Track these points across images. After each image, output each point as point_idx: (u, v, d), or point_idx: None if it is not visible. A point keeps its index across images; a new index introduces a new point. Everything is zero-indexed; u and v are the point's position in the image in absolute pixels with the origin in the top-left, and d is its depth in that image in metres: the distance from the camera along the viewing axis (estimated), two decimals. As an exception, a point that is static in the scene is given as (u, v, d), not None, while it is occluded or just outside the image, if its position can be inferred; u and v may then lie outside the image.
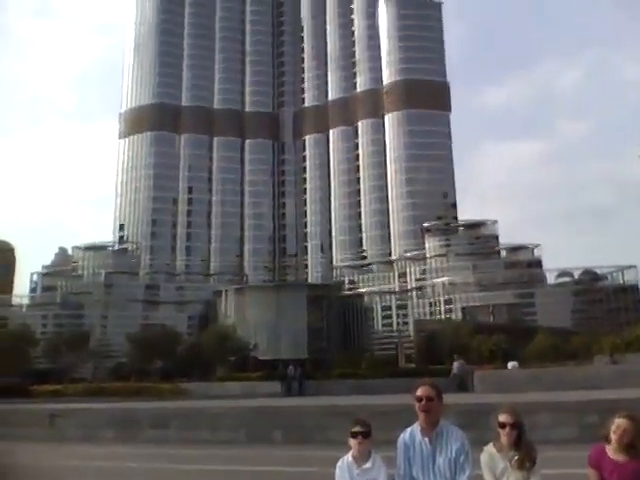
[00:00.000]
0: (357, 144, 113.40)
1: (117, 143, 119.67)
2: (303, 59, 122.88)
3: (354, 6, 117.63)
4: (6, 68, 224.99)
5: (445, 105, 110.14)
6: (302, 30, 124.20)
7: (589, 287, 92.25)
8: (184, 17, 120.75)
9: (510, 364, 28.04)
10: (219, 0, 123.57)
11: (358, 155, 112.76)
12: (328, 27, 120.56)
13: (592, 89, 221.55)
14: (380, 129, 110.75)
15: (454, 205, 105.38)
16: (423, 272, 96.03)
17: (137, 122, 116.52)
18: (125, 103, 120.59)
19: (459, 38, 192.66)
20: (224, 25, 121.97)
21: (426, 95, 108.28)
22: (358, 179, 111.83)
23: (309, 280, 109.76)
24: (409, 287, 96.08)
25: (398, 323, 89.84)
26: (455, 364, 25.59)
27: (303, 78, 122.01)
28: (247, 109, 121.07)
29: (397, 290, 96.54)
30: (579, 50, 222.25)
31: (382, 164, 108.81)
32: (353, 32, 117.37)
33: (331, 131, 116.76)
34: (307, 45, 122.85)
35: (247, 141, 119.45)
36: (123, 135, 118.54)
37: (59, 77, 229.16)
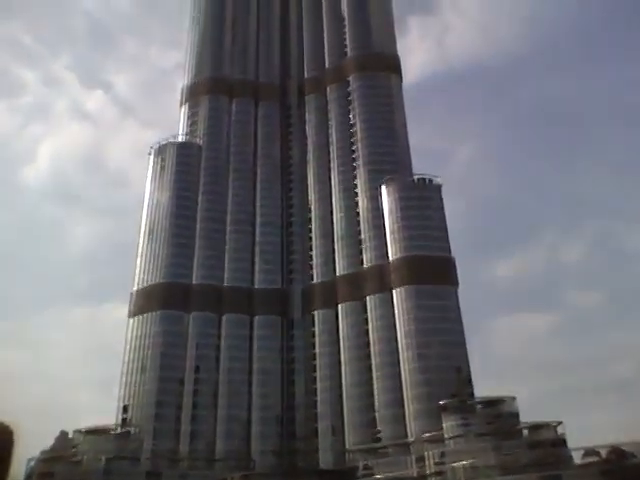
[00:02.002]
0: (366, 319, 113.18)
1: (126, 322, 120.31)
2: (311, 238, 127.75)
3: (358, 190, 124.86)
4: (21, 251, 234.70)
5: (451, 279, 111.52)
6: (310, 211, 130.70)
7: (618, 466, 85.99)
8: (197, 202, 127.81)
9: None
10: (231, 186, 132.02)
11: (367, 330, 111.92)
12: (334, 208, 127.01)
13: (598, 259, 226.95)
14: (389, 304, 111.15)
15: (469, 380, 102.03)
16: (442, 455, 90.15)
17: (147, 301, 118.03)
18: (137, 283, 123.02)
19: (462, 214, 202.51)
20: (235, 209, 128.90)
21: (432, 270, 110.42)
22: (368, 354, 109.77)
23: (320, 465, 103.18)
24: (428, 472, 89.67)
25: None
26: None
27: (311, 255, 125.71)
28: (256, 286, 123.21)
29: (415, 476, 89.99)
30: (582, 221, 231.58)
31: (392, 339, 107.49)
32: (358, 213, 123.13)
33: (340, 306, 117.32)
34: (314, 224, 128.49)
35: (256, 317, 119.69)
36: (132, 314, 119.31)
37: (72, 257, 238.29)
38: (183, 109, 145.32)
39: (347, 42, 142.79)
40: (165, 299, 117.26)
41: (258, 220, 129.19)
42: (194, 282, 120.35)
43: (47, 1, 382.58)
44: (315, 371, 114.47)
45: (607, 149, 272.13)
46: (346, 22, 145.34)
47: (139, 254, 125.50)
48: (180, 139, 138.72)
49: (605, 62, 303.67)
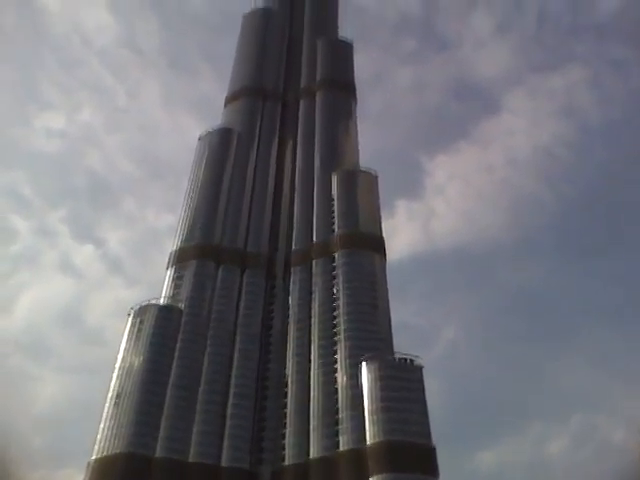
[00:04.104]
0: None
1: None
2: (285, 414, 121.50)
3: (338, 366, 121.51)
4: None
5: (432, 469, 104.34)
6: (286, 385, 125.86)
7: None
8: (170, 368, 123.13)
9: None
10: (208, 353, 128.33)
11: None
12: (312, 384, 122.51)
13: (583, 452, 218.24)
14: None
15: None
16: None
17: (103, 474, 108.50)
18: (96, 450, 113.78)
19: (443, 397, 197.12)
20: (209, 378, 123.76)
21: (411, 458, 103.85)
22: None
23: None
24: None
25: None
26: None
27: (284, 434, 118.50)
28: (223, 464, 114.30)
29: None
30: (567, 413, 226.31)
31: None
32: (336, 390, 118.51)
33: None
34: (290, 400, 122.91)
35: None
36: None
37: (35, 415, 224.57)
38: (169, 272, 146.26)
39: (335, 220, 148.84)
40: (123, 473, 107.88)
41: (231, 391, 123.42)
42: (157, 455, 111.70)
43: (52, 158, 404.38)
44: None
45: (587, 340, 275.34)
46: (335, 202, 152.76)
47: (103, 418, 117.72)
48: (162, 302, 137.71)
49: (586, 255, 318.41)
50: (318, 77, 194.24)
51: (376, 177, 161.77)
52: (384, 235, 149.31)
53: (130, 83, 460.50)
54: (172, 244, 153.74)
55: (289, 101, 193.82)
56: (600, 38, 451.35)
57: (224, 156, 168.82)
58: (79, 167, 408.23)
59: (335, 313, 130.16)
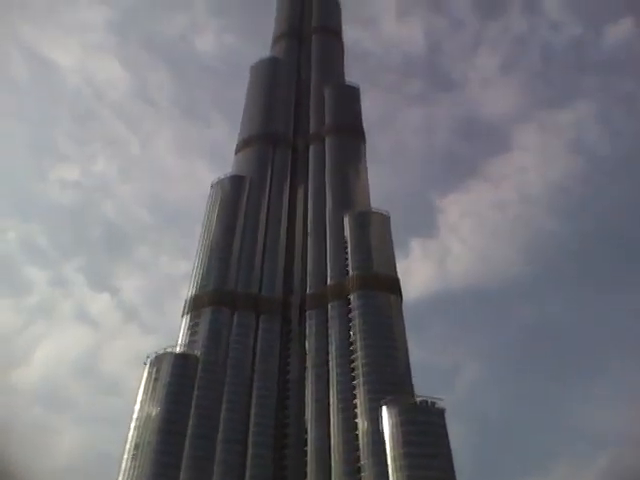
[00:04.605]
0: None
1: None
2: (306, 462, 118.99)
3: (357, 410, 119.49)
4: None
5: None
6: (306, 432, 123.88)
7: None
8: (188, 417, 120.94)
9: None
10: (225, 401, 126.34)
11: None
12: (332, 429, 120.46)
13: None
14: None
15: None
16: None
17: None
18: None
19: (465, 439, 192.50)
20: (227, 426, 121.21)
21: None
22: None
23: None
24: None
25: None
26: None
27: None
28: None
29: None
30: (594, 452, 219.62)
31: None
32: (357, 435, 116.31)
33: None
34: (310, 447, 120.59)
35: None
36: None
37: (54, 467, 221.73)
38: (185, 319, 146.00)
39: (349, 262, 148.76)
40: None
41: (250, 440, 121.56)
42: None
43: (67, 209, 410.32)
44: None
45: (612, 375, 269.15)
46: (348, 243, 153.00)
47: (121, 471, 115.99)
48: (178, 350, 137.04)
49: (605, 290, 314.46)
50: (327, 122, 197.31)
51: (388, 217, 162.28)
52: (399, 275, 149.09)
53: (143, 133, 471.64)
54: (187, 291, 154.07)
55: (299, 146, 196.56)
56: (605, 73, 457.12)
57: (236, 202, 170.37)
58: (93, 217, 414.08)
59: (353, 357, 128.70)
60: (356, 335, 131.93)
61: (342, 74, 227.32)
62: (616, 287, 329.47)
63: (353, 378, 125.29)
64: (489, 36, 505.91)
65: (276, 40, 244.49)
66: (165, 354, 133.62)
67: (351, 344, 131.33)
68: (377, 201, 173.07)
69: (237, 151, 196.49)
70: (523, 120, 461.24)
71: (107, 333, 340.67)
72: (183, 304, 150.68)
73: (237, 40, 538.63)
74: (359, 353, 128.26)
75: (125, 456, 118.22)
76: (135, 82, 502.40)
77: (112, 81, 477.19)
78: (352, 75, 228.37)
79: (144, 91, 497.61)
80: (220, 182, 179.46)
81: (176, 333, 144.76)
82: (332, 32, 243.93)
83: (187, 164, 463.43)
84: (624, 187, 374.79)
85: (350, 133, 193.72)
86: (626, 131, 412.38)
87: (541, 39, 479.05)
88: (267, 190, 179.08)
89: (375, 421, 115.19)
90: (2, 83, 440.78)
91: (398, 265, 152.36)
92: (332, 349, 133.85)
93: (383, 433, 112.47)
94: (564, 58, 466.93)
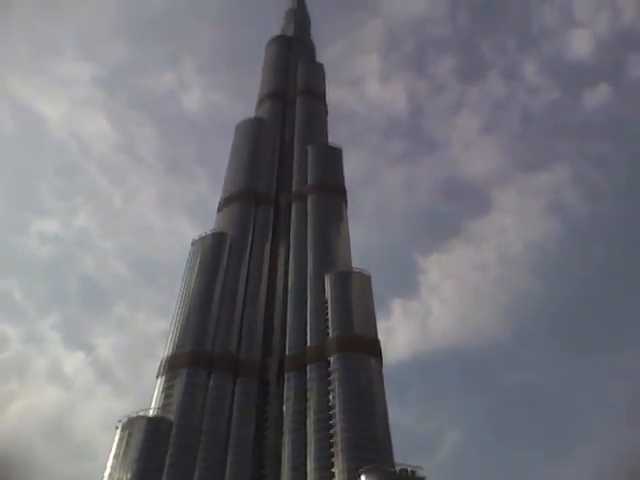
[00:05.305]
0: None
1: None
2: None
3: (335, 479, 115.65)
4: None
5: None
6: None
7: None
8: None
9: None
10: (198, 468, 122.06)
11: None
12: None
13: None
14: None
15: None
16: None
17: None
18: None
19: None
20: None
21: None
22: None
23: None
24: None
25: None
26: None
27: None
28: None
29: None
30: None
31: None
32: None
33: None
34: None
35: None
36: None
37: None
38: (159, 380, 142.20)
39: (329, 323, 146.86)
40: None
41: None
42: None
43: (45, 263, 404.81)
44: None
45: (589, 441, 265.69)
46: (329, 304, 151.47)
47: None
48: (152, 413, 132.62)
49: (585, 352, 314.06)
50: (309, 181, 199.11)
51: (369, 277, 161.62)
52: (380, 336, 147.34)
53: (127, 187, 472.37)
54: (163, 350, 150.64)
55: (281, 205, 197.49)
56: (582, 136, 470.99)
57: (217, 261, 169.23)
58: (72, 272, 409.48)
59: (331, 422, 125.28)
60: (335, 399, 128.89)
61: (325, 135, 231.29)
62: (597, 349, 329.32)
63: (331, 445, 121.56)
64: (470, 99, 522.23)
65: (261, 100, 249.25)
66: (137, 417, 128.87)
67: (330, 408, 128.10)
68: (358, 260, 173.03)
69: (219, 208, 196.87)
70: (503, 181, 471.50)
71: (80, 393, 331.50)
72: (159, 364, 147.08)
73: (223, 98, 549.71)
74: (338, 417, 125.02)
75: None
76: (121, 137, 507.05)
77: (98, 135, 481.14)
78: (336, 134, 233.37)
79: (129, 146, 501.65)
80: (201, 239, 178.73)
81: (151, 394, 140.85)
82: (316, 94, 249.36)
83: (169, 219, 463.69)
84: (602, 248, 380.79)
85: (332, 192, 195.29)
86: (603, 193, 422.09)
87: (520, 103, 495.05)
88: (248, 248, 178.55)
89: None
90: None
91: (379, 326, 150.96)
92: (310, 413, 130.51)
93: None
94: (542, 121, 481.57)
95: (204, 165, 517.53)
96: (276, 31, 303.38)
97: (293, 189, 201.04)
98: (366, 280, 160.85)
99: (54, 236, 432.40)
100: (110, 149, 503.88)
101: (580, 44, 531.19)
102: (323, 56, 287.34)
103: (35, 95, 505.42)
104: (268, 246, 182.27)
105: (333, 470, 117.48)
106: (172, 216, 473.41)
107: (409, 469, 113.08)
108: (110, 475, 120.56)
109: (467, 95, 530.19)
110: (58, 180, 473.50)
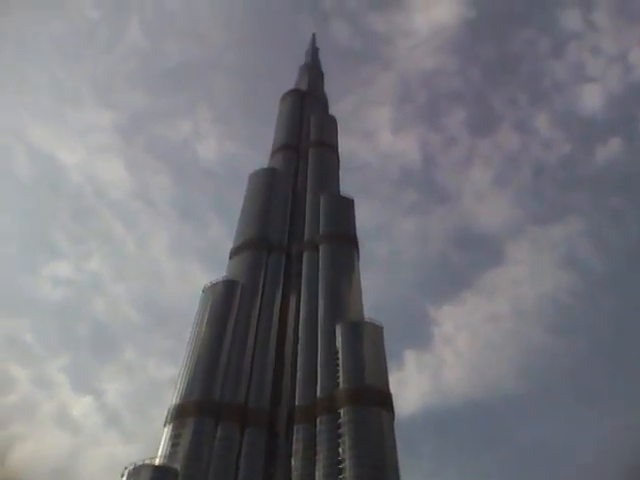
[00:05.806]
0: None
1: None
2: None
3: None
4: None
5: None
6: None
7: None
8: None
9: None
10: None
11: None
12: None
13: None
14: None
15: None
16: None
17: None
18: None
19: None
20: None
21: None
22: None
23: None
24: None
25: None
26: None
27: None
28: None
29: None
30: None
31: None
32: None
33: None
34: None
35: None
36: None
37: None
38: (167, 429, 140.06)
39: (340, 374, 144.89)
40: None
41: None
42: None
43: (56, 306, 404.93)
44: None
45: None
46: (340, 355, 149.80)
47: None
48: (158, 461, 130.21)
49: (602, 409, 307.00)
50: (321, 231, 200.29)
51: (381, 328, 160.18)
52: (393, 389, 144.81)
53: (140, 233, 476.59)
54: (171, 397, 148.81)
55: (293, 253, 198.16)
56: (595, 189, 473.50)
57: (227, 308, 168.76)
58: (83, 315, 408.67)
59: (341, 476, 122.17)
60: (345, 453, 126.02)
61: (337, 185, 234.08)
62: (614, 406, 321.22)
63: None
64: (481, 152, 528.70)
65: (275, 151, 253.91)
66: (143, 466, 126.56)
67: (339, 462, 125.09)
68: (370, 310, 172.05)
69: (231, 255, 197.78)
70: (516, 233, 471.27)
71: (87, 438, 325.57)
72: (166, 412, 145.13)
73: (237, 148, 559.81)
74: (347, 473, 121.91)
75: None
76: (136, 183, 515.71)
77: (114, 181, 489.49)
78: (349, 185, 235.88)
79: (145, 192, 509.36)
80: (212, 286, 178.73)
81: (158, 441, 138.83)
82: (328, 146, 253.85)
83: (181, 265, 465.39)
84: (616, 302, 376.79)
85: (344, 242, 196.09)
86: (615, 246, 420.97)
87: (532, 156, 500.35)
88: (259, 296, 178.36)
89: None
90: (3, 178, 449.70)
91: (391, 377, 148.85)
92: (320, 466, 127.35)
93: None
94: (555, 174, 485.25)
95: (217, 212, 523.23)
96: (290, 84, 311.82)
97: (305, 238, 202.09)
98: (378, 331, 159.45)
99: (67, 279, 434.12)
100: (125, 195, 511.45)
101: (591, 98, 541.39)
102: (336, 108, 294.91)
103: (54, 142, 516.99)
104: (279, 295, 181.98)
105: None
106: (184, 262, 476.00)
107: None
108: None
109: (479, 148, 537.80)
110: (73, 224, 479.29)
